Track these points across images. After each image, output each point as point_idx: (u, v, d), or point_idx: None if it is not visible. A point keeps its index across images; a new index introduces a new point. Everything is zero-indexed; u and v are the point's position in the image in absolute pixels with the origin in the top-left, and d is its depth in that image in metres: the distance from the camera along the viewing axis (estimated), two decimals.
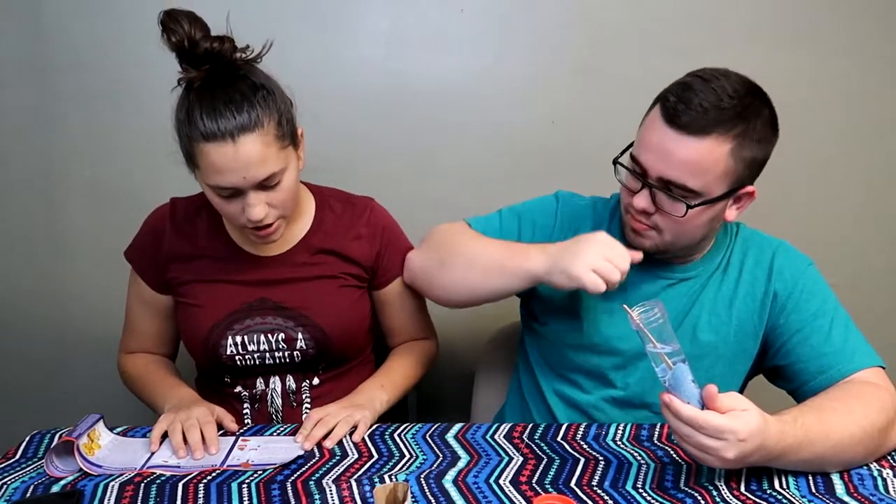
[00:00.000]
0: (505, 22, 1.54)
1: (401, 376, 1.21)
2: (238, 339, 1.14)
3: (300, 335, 1.15)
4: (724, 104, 0.93)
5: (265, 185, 1.01)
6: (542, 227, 1.15)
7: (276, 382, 1.18)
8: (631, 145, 1.03)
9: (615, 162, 1.04)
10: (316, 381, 1.20)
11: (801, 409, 0.88)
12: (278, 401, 1.18)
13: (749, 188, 1.00)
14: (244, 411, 1.19)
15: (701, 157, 0.94)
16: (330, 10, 1.53)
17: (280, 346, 1.15)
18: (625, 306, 0.82)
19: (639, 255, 1.00)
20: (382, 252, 1.21)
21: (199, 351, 1.17)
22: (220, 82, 0.99)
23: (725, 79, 0.97)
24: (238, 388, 1.19)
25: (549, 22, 1.53)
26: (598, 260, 0.95)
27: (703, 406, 0.80)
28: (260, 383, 1.18)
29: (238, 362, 1.15)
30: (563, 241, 1.05)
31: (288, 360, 1.17)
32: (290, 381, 1.19)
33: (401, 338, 1.31)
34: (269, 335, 1.14)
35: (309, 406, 1.19)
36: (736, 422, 0.78)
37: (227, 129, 0.95)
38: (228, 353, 1.14)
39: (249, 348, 1.14)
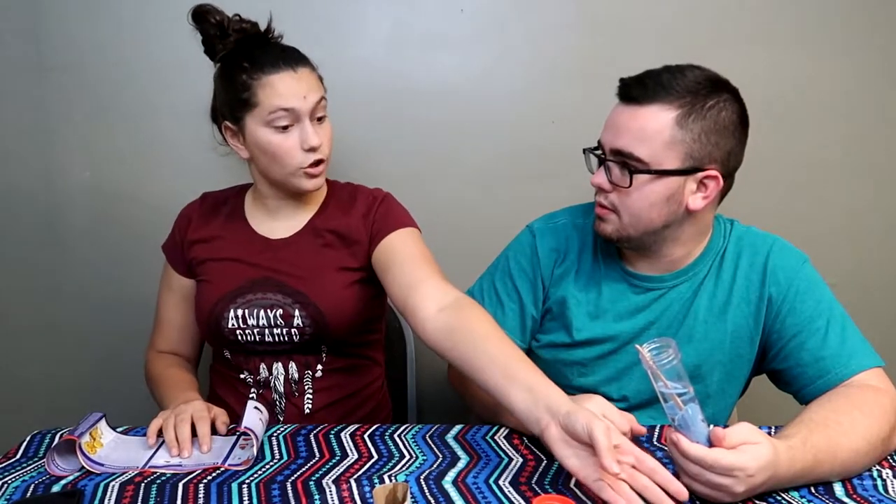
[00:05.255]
0: (505, 22, 1.54)
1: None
2: (239, 312, 1.19)
3: (297, 312, 1.18)
4: (675, 79, 0.97)
5: (316, 114, 1.15)
6: (533, 270, 1.16)
7: (279, 369, 1.22)
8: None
9: (585, 151, 1.07)
10: (319, 373, 1.23)
11: (809, 428, 0.86)
12: (281, 388, 1.22)
13: (711, 172, 0.99)
14: (250, 396, 1.24)
15: (645, 121, 0.97)
16: (330, 10, 1.53)
17: (278, 322, 1.19)
18: (637, 346, 0.81)
19: (642, 430, 0.94)
20: (377, 215, 1.22)
21: (204, 324, 1.23)
22: (259, 44, 1.16)
23: (690, 68, 0.99)
24: (244, 374, 1.24)
25: (549, 22, 1.54)
26: None
27: (711, 444, 0.79)
28: (263, 369, 1.22)
29: (239, 337, 1.20)
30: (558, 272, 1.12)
31: (287, 339, 1.20)
32: (293, 370, 1.22)
33: (420, 290, 1.06)
34: (269, 310, 1.19)
35: (311, 397, 1.23)
36: (744, 457, 0.77)
37: (288, 61, 1.13)
38: (230, 325, 1.20)
39: (249, 322, 1.19)
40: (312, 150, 1.14)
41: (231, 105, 1.15)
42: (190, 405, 1.04)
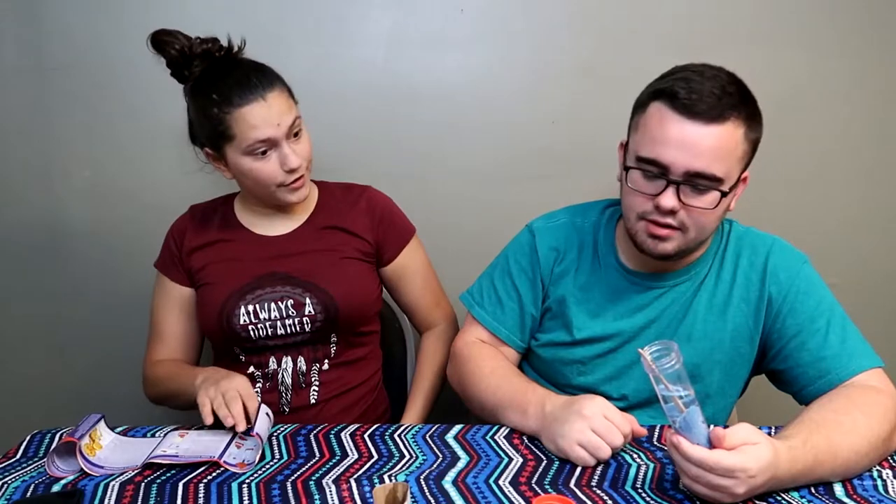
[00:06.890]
0: (505, 22, 1.54)
1: (431, 389, 1.33)
2: (251, 307, 1.21)
3: (308, 300, 1.21)
4: (729, 89, 0.96)
5: (292, 132, 1.16)
6: (532, 269, 1.16)
7: (287, 362, 1.24)
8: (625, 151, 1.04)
9: (627, 168, 1.01)
10: (326, 366, 1.25)
11: (810, 428, 0.86)
12: (288, 380, 1.24)
13: (745, 172, 1.01)
14: (255, 390, 1.22)
15: (724, 141, 0.95)
16: (330, 10, 1.53)
17: (290, 313, 1.21)
18: (639, 349, 0.81)
19: (643, 431, 0.96)
20: (383, 226, 1.31)
21: (215, 325, 1.23)
22: (225, 69, 1.15)
23: (711, 70, 0.99)
24: (251, 369, 1.24)
25: (549, 22, 1.53)
26: (585, 434, 0.91)
27: (712, 445, 0.79)
28: (273, 362, 1.24)
29: (252, 333, 1.21)
30: (560, 282, 1.13)
31: (299, 329, 1.22)
32: (302, 363, 1.24)
33: (421, 314, 1.38)
34: (279, 302, 1.21)
35: (317, 389, 1.25)
36: (745, 458, 0.77)
37: (257, 91, 1.12)
38: (242, 322, 1.21)
39: (261, 316, 1.21)
40: (292, 171, 1.17)
41: (208, 136, 1.17)
42: (234, 381, 1.04)
